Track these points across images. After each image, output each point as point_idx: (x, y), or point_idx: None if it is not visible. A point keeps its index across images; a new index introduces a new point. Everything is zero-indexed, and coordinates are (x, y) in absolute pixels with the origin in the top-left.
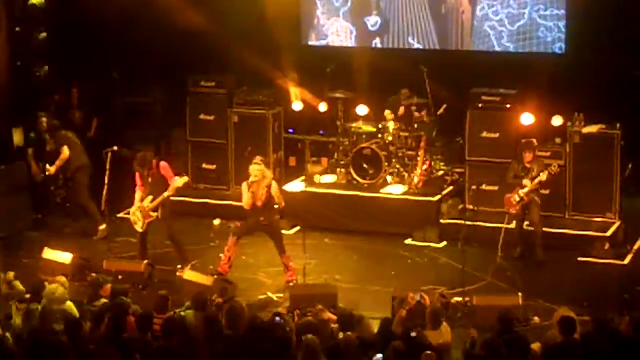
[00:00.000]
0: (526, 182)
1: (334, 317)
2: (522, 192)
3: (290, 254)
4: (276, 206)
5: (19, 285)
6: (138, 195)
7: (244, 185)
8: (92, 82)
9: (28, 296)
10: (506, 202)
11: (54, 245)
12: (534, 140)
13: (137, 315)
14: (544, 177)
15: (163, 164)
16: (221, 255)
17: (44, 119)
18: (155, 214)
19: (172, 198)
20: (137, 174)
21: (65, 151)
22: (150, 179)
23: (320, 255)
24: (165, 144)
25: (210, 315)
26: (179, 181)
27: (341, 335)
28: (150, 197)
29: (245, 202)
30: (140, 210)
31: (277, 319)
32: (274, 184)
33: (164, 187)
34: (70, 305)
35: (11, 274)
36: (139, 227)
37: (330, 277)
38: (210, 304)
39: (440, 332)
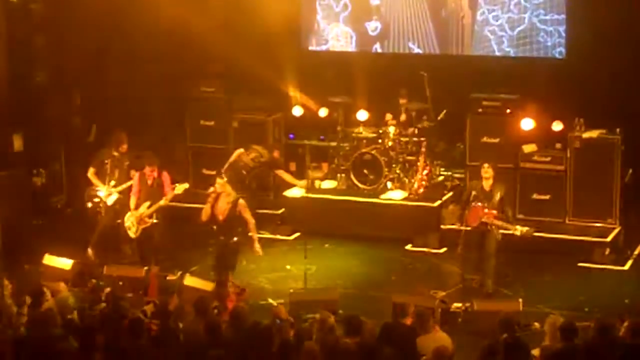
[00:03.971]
0: (489, 210)
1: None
2: (489, 220)
3: (289, 260)
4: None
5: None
6: (133, 201)
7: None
8: (92, 87)
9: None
10: (472, 214)
11: (55, 251)
12: (486, 164)
13: (129, 321)
14: (516, 232)
15: (164, 173)
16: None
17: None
18: (150, 220)
19: (172, 203)
20: (137, 178)
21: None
22: (150, 182)
23: (321, 260)
24: (166, 150)
25: (211, 321)
26: (179, 188)
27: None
28: (147, 203)
29: (203, 212)
30: (135, 216)
31: (277, 322)
32: (241, 202)
33: (160, 195)
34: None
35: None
36: (132, 233)
37: (330, 282)
38: (211, 310)
39: (434, 336)
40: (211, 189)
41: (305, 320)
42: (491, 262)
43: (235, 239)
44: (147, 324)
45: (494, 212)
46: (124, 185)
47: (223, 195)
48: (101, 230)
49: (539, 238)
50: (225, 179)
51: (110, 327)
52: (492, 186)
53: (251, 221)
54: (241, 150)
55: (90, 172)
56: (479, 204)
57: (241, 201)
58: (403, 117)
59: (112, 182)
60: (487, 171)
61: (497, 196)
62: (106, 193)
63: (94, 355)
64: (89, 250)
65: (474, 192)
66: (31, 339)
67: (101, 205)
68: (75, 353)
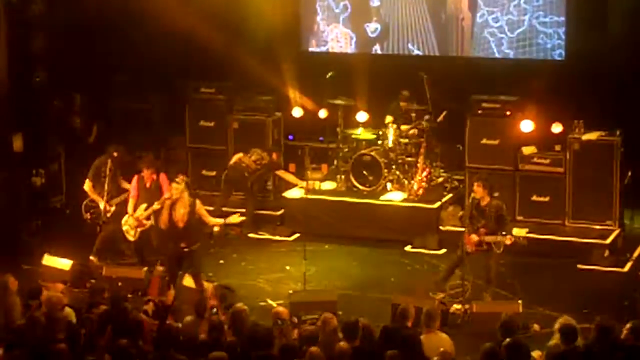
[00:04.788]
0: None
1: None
2: (481, 238)
3: (288, 261)
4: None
5: None
6: (131, 204)
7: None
8: (92, 88)
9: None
10: (465, 239)
11: (54, 251)
12: (476, 183)
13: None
14: (507, 240)
15: (162, 175)
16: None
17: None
18: (148, 223)
19: None
20: (135, 181)
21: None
22: (148, 185)
23: (320, 262)
24: (165, 150)
25: (212, 322)
26: None
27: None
28: (144, 206)
29: (161, 219)
30: (133, 219)
31: (279, 322)
32: (198, 203)
33: (159, 197)
34: (69, 311)
35: None
36: (130, 236)
37: (329, 283)
38: (210, 310)
39: (435, 337)
40: (166, 195)
41: (305, 322)
42: (491, 274)
43: (197, 244)
44: (147, 325)
45: (483, 230)
46: (120, 198)
47: (180, 201)
48: (102, 239)
49: (538, 240)
50: (183, 184)
51: (111, 328)
52: (487, 204)
53: (210, 222)
54: (240, 153)
55: (88, 186)
56: (469, 228)
57: (197, 202)
58: (405, 127)
59: (109, 196)
60: (476, 190)
61: (492, 216)
62: (104, 207)
63: (90, 357)
64: (92, 258)
65: (470, 203)
66: (27, 340)
67: (101, 219)
68: (72, 354)
